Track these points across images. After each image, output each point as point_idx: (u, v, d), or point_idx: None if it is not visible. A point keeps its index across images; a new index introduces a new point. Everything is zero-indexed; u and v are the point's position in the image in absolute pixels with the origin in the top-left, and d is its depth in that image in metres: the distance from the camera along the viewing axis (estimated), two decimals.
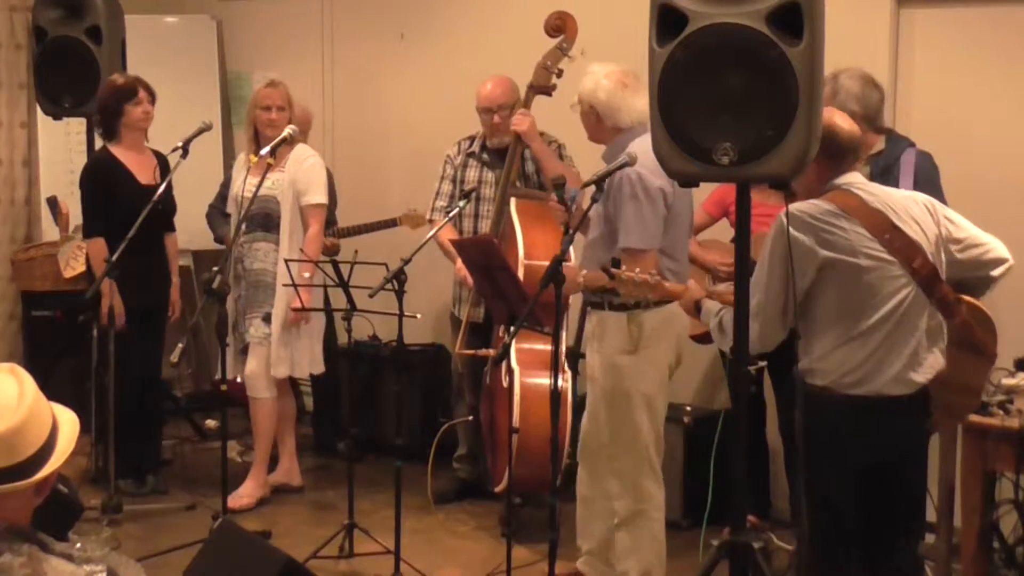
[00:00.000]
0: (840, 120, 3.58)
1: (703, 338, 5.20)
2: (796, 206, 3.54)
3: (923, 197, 3.63)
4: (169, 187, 5.49)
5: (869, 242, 3.46)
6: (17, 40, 7.09)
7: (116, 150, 5.70)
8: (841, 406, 3.49)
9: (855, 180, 3.56)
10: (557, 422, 4.08)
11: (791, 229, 3.44)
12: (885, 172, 4.29)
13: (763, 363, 5.11)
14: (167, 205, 5.67)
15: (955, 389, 3.63)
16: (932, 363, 3.54)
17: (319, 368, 5.86)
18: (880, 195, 3.55)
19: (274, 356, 5.66)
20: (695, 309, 3.78)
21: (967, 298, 3.63)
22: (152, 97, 5.70)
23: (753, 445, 4.94)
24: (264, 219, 5.67)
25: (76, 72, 5.71)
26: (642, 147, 4.01)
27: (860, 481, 3.56)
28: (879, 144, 4.42)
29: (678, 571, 4.84)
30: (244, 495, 5.65)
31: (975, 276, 3.65)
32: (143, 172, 5.67)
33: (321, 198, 5.70)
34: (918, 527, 3.79)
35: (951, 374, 3.59)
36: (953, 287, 3.59)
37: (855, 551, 3.65)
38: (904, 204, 3.56)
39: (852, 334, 3.47)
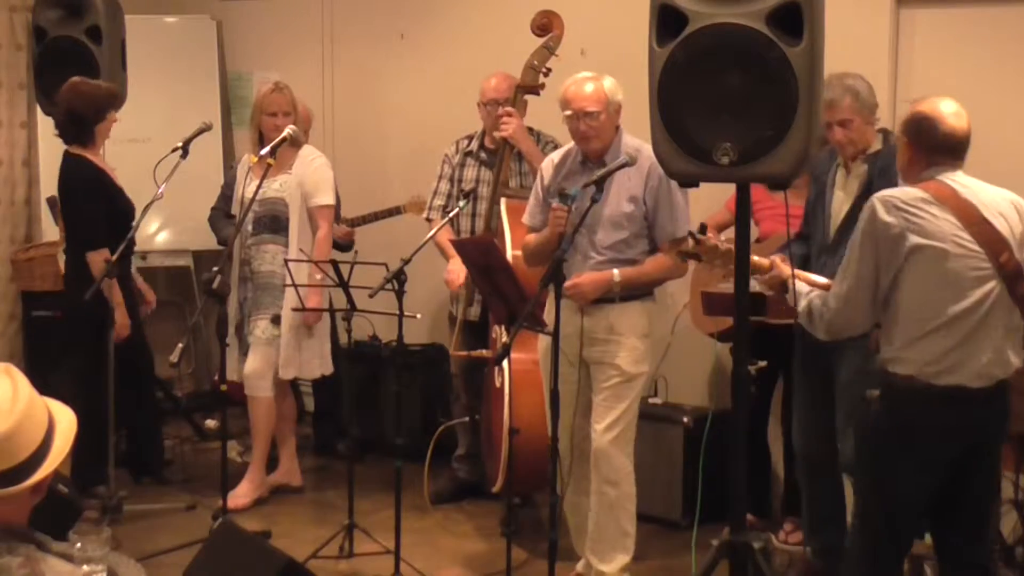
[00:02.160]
0: (948, 114, 3.52)
1: (724, 336, 5.21)
2: (887, 192, 3.55)
3: (1011, 195, 3.61)
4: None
5: (958, 231, 3.44)
6: (17, 40, 7.07)
7: (90, 155, 5.55)
8: (925, 395, 3.47)
9: (952, 174, 3.53)
10: (556, 421, 4.09)
11: (882, 213, 3.44)
12: (883, 172, 4.29)
13: (763, 363, 5.10)
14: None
15: (1022, 395, 3.62)
16: (1013, 360, 3.53)
17: (328, 368, 5.84)
18: (972, 188, 3.53)
19: (283, 358, 5.65)
20: (781, 288, 3.76)
21: None
22: None
23: (753, 445, 4.93)
24: (272, 221, 5.66)
25: (76, 72, 5.67)
26: (643, 144, 4.22)
27: (938, 472, 3.54)
28: (876, 144, 4.42)
29: (678, 571, 4.85)
30: (240, 495, 5.64)
31: None
32: (113, 176, 5.64)
33: (329, 199, 5.70)
34: (991, 523, 3.77)
35: (1020, 381, 3.58)
36: None
37: (907, 545, 3.66)
38: (993, 199, 3.54)
39: (936, 324, 3.45)
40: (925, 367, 3.47)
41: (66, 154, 5.57)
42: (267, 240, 5.68)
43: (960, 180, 3.53)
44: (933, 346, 3.46)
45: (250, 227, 5.65)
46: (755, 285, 4.35)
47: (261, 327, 5.67)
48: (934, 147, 3.52)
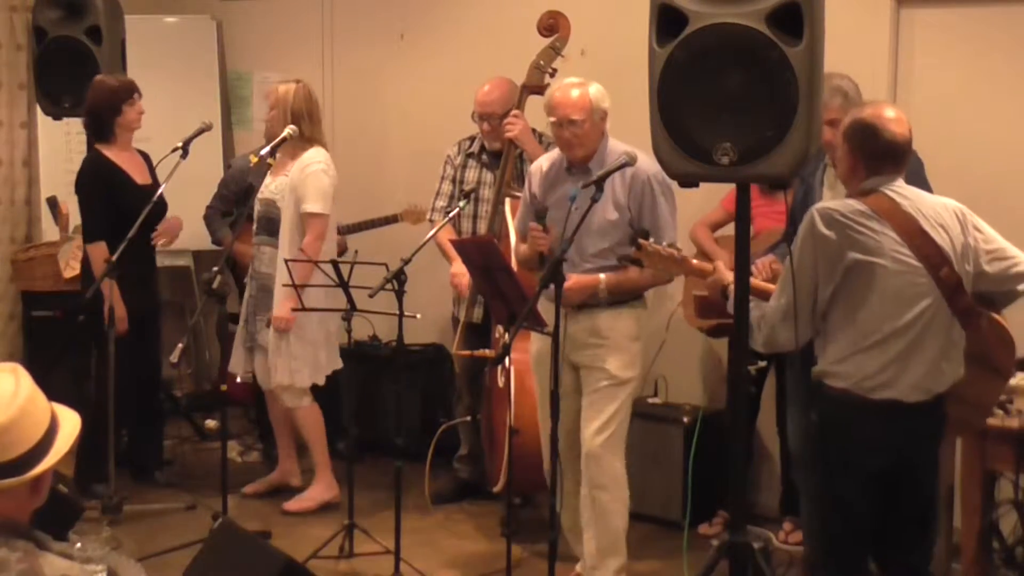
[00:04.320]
0: (890, 120, 3.49)
1: (715, 332, 5.22)
2: (827, 204, 3.54)
3: (955, 205, 3.57)
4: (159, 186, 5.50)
5: (898, 246, 3.42)
6: (17, 40, 7.08)
7: (109, 152, 5.63)
8: (859, 409, 3.46)
9: (894, 184, 3.51)
10: (557, 422, 4.09)
11: (820, 226, 3.42)
12: None
13: (763, 363, 5.11)
14: (161, 206, 5.62)
15: (966, 403, 3.60)
16: (951, 373, 3.52)
17: (321, 378, 5.62)
18: (913, 199, 3.50)
19: (270, 364, 5.52)
20: (722, 294, 3.74)
21: (992, 314, 3.60)
22: (141, 97, 5.70)
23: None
24: (268, 223, 5.63)
25: (76, 72, 5.70)
26: (630, 148, 4.30)
27: (873, 484, 3.54)
28: None
29: (677, 571, 4.84)
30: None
31: (999, 291, 3.59)
32: (137, 172, 5.66)
33: (316, 208, 5.40)
34: (931, 532, 3.74)
35: (964, 388, 3.56)
36: (976, 300, 3.55)
37: (864, 551, 3.64)
38: (935, 211, 3.50)
39: (874, 339, 3.43)
40: (860, 382, 3.45)
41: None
42: (265, 242, 5.65)
43: (901, 190, 3.51)
44: (869, 361, 3.44)
45: (254, 226, 5.65)
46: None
47: (264, 332, 5.62)
48: (876, 155, 3.49)
